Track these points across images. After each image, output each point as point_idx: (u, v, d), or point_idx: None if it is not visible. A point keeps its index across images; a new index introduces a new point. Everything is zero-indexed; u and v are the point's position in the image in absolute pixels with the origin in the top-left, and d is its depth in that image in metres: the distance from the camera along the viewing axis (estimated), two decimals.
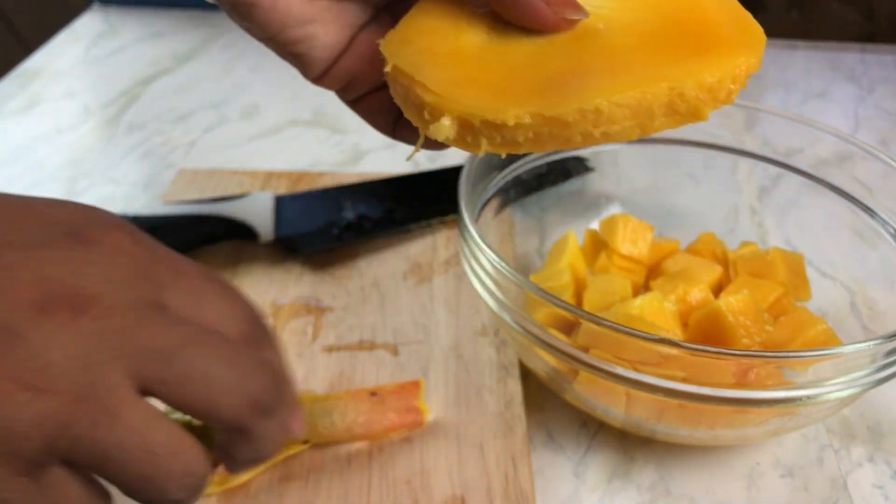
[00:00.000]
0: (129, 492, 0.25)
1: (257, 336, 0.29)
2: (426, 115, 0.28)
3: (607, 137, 0.27)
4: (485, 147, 0.28)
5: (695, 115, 0.27)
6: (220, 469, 0.29)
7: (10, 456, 0.23)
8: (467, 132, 0.28)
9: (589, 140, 0.27)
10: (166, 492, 0.26)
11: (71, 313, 0.24)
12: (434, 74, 0.28)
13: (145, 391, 0.25)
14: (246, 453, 0.29)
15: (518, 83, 0.28)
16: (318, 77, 0.33)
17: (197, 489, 0.26)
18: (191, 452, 0.26)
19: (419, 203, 0.55)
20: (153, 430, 0.25)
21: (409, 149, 0.32)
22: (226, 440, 0.29)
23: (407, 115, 0.29)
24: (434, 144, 0.30)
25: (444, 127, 0.28)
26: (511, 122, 0.27)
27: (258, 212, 0.51)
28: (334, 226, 0.53)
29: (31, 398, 0.23)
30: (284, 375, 0.29)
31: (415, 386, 0.41)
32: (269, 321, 0.47)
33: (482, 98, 0.27)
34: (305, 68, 0.33)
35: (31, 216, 0.26)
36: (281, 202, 0.52)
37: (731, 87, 0.27)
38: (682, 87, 0.27)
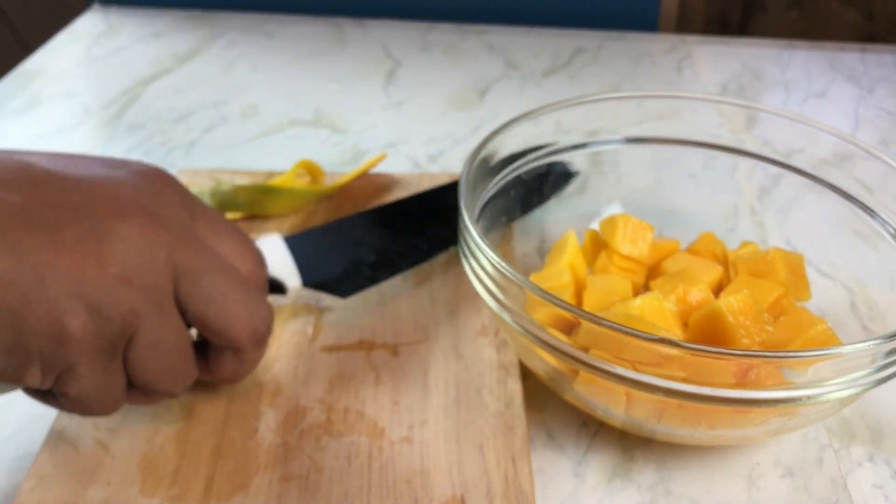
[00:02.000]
0: (154, 377, 0.32)
1: (260, 277, 0.36)
2: None
3: None
4: None
5: None
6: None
7: (98, 334, 0.29)
8: None
9: None
10: (173, 385, 0.33)
11: (145, 218, 0.30)
12: None
13: (176, 301, 0.32)
14: (230, 371, 0.36)
15: None
16: None
17: (185, 385, 0.35)
18: (191, 364, 0.34)
19: (437, 229, 0.51)
20: (184, 333, 0.33)
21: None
22: (217, 355, 0.35)
23: None
24: None
25: None
26: None
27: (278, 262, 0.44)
28: (362, 264, 0.48)
29: (124, 288, 0.29)
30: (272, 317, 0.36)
31: None
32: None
33: None
34: None
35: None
36: (294, 246, 0.45)
37: None
38: None
